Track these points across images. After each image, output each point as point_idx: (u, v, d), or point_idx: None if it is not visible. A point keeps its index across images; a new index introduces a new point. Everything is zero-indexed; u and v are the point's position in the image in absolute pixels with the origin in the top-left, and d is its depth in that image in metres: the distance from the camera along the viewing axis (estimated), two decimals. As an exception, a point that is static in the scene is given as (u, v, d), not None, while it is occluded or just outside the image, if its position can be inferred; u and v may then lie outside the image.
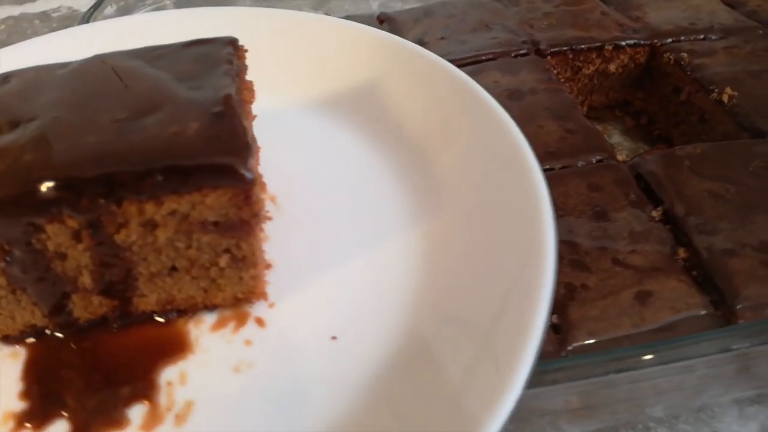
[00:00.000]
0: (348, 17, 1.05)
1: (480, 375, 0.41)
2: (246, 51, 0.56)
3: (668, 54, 0.90)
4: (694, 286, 0.61)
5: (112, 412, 0.44)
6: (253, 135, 0.57)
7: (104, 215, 0.43)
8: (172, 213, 0.44)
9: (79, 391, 0.45)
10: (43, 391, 0.46)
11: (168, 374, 0.47)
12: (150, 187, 0.43)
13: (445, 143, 0.59)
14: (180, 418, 0.44)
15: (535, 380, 0.53)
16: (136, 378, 0.46)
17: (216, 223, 0.45)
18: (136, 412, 0.45)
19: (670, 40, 0.92)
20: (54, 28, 1.31)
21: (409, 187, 0.59)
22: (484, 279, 0.48)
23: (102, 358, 0.47)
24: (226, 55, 0.52)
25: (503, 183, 0.53)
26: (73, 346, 0.48)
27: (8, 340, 0.49)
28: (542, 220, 0.48)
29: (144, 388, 0.45)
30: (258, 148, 0.60)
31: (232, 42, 0.54)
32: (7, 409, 0.45)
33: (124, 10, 0.91)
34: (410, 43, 0.67)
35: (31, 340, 0.49)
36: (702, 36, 0.93)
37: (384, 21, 1.03)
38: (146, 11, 0.94)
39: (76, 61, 0.53)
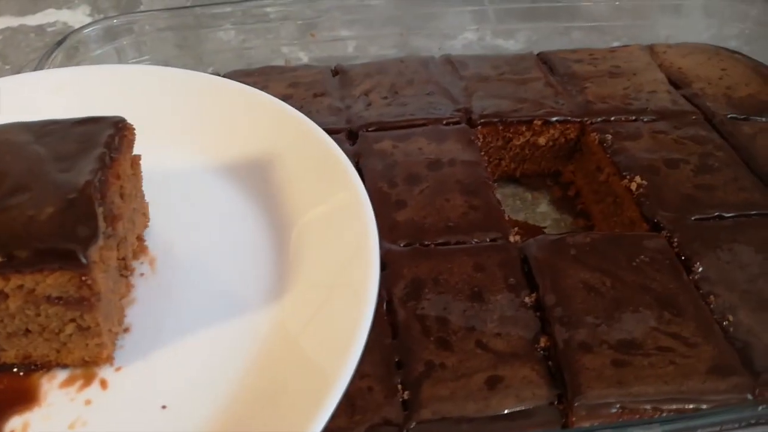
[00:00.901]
0: (306, 66, 1.11)
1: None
2: (133, 129, 0.61)
3: (594, 134, 0.93)
4: (545, 377, 0.64)
5: (-47, 456, 0.50)
6: (141, 202, 0.63)
7: (-40, 283, 0.50)
8: (19, 287, 0.50)
9: (-68, 432, 0.52)
10: None
11: (13, 423, 0.52)
12: (-2, 265, 0.49)
13: (311, 220, 0.64)
14: (12, 469, 0.50)
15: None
16: (-17, 424, 0.52)
17: (59, 298, 0.51)
18: (-24, 459, 0.51)
19: (600, 119, 0.95)
20: (47, 43, 1.39)
21: (274, 257, 0.64)
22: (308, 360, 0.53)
23: (-39, 402, 0.54)
24: (106, 137, 0.57)
25: (347, 267, 0.57)
26: (-60, 387, 0.54)
27: None
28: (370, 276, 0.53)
29: (-12, 435, 0.51)
30: (145, 214, 0.66)
31: (116, 123, 0.59)
32: None
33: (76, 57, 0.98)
34: (295, 111, 0.72)
35: None
36: (633, 117, 0.95)
37: (338, 73, 1.08)
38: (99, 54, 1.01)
39: (-20, 128, 0.60)
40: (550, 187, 1.01)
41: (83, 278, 0.49)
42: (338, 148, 0.68)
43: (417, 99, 0.99)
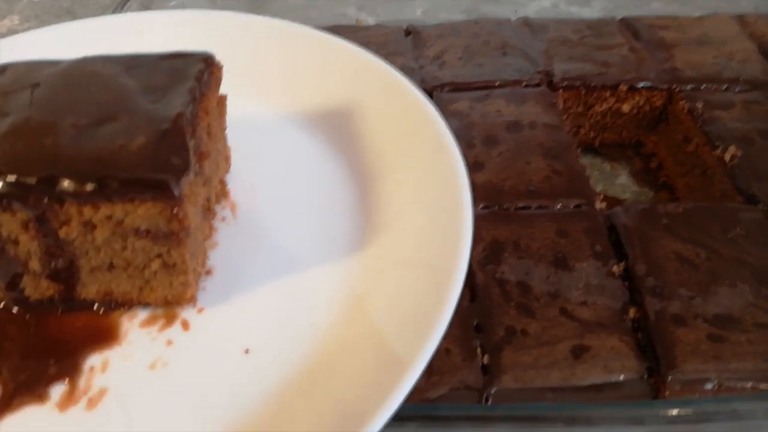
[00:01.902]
0: (378, 25, 1.08)
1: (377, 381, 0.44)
2: (221, 67, 0.59)
3: (684, 102, 0.88)
4: (635, 349, 0.61)
5: (36, 386, 0.49)
6: (221, 146, 0.61)
7: (48, 212, 0.48)
8: (108, 218, 0.49)
9: (15, 362, 0.51)
10: (-17, 357, 0.51)
11: (93, 360, 0.51)
12: (87, 193, 0.47)
13: (397, 172, 0.61)
14: (92, 403, 0.49)
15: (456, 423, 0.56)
16: (65, 359, 0.51)
17: (148, 231, 0.49)
18: (57, 391, 0.50)
19: (689, 87, 0.90)
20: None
21: (357, 203, 0.62)
22: (402, 290, 0.51)
23: (42, 335, 0.53)
24: (195, 72, 0.55)
25: (436, 215, 0.55)
26: (21, 321, 0.54)
27: (-32, 307, 0.55)
28: (459, 259, 0.49)
29: (69, 369, 0.50)
30: (228, 157, 0.64)
31: (206, 59, 0.57)
32: (-54, 367, 0.51)
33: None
34: (382, 62, 0.69)
35: (-12, 309, 0.55)
36: (725, 86, 0.90)
37: (410, 33, 1.05)
38: (173, 5, 0.99)
39: (66, 61, 0.58)
40: (631, 158, 0.96)
41: (174, 210, 0.47)
42: (430, 104, 0.64)
43: (493, 60, 0.96)
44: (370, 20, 1.20)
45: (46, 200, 0.47)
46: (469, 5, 1.23)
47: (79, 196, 0.47)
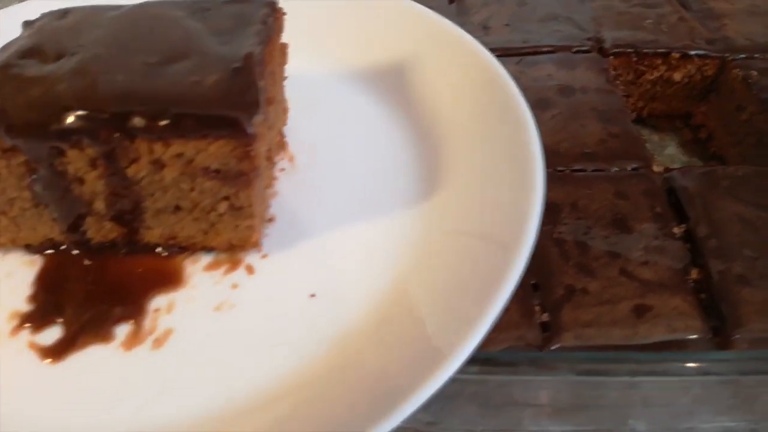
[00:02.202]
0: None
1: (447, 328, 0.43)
2: (284, 14, 0.58)
3: (737, 70, 0.86)
4: (697, 309, 0.60)
5: (101, 326, 0.49)
6: (281, 96, 0.60)
7: (118, 149, 0.48)
8: (179, 155, 0.48)
9: (78, 303, 0.50)
10: (48, 298, 0.51)
11: (157, 302, 0.51)
12: (160, 129, 0.46)
13: (462, 128, 0.60)
14: (158, 343, 0.48)
15: (514, 369, 0.55)
16: (129, 301, 0.50)
17: (217, 171, 0.48)
18: (122, 331, 0.49)
19: (743, 56, 0.88)
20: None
21: (419, 162, 0.60)
22: (466, 248, 0.50)
23: (105, 278, 0.52)
24: (261, 15, 0.55)
25: (504, 172, 0.54)
26: (83, 263, 0.53)
27: (30, 249, 0.55)
28: (530, 212, 0.48)
29: (134, 310, 0.50)
30: (286, 108, 0.63)
31: (270, 4, 0.56)
32: (14, 308, 0.51)
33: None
34: (453, 25, 0.68)
35: (49, 252, 0.55)
36: (778, 56, 0.88)
37: (454, 1, 1.03)
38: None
39: (127, 5, 0.57)
40: (679, 129, 0.94)
41: (247, 148, 0.46)
42: (500, 65, 0.63)
43: (541, 26, 0.94)
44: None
45: (117, 136, 0.47)
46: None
47: (151, 132, 0.46)
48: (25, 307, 0.51)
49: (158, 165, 0.49)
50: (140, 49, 0.51)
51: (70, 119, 0.47)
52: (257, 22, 0.54)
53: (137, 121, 0.46)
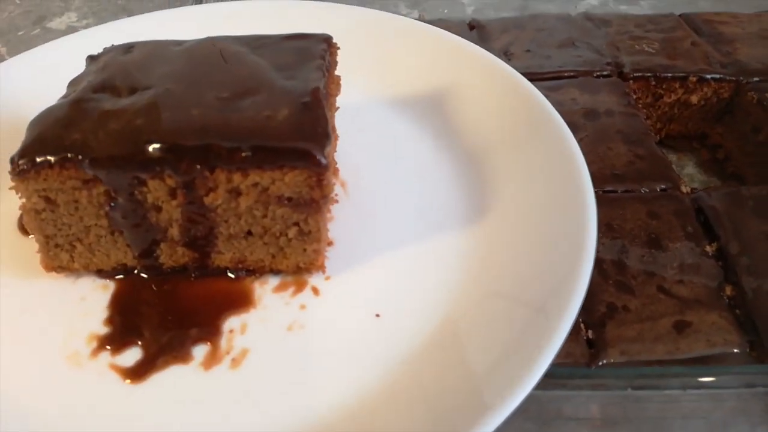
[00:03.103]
0: (440, 20, 1.10)
1: (501, 364, 0.45)
2: (338, 48, 0.61)
3: (752, 93, 0.90)
4: (734, 324, 0.63)
5: (180, 348, 0.51)
6: (333, 125, 0.63)
7: (198, 179, 0.50)
8: (255, 185, 0.51)
9: (155, 326, 0.53)
10: (124, 321, 0.53)
11: (231, 323, 0.53)
12: (239, 160, 0.49)
13: (507, 152, 0.63)
14: (236, 362, 0.51)
15: (564, 383, 0.58)
16: (204, 322, 0.53)
17: (290, 199, 0.51)
18: (200, 351, 0.52)
19: (756, 79, 0.92)
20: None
21: (465, 187, 0.64)
22: (522, 277, 0.52)
23: (178, 301, 0.55)
24: (320, 51, 0.58)
25: (554, 200, 0.56)
26: (155, 287, 0.56)
27: (101, 274, 0.57)
28: (586, 229, 0.51)
29: (209, 332, 0.52)
30: (337, 137, 0.66)
31: (326, 39, 0.59)
32: (92, 331, 0.53)
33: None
34: (490, 54, 0.71)
35: (120, 276, 0.57)
36: (791, 79, 0.92)
37: (474, 28, 1.07)
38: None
39: (190, 41, 0.60)
40: (697, 149, 0.98)
41: (320, 178, 0.49)
42: (534, 88, 0.66)
43: (561, 52, 0.98)
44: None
45: (198, 167, 0.49)
46: (520, 3, 1.26)
47: (231, 163, 0.49)
48: (102, 329, 0.53)
49: (235, 193, 0.51)
50: (211, 84, 0.54)
51: (153, 152, 0.49)
52: (317, 57, 0.57)
53: (217, 153, 0.49)
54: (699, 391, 0.58)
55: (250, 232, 0.54)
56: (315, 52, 0.58)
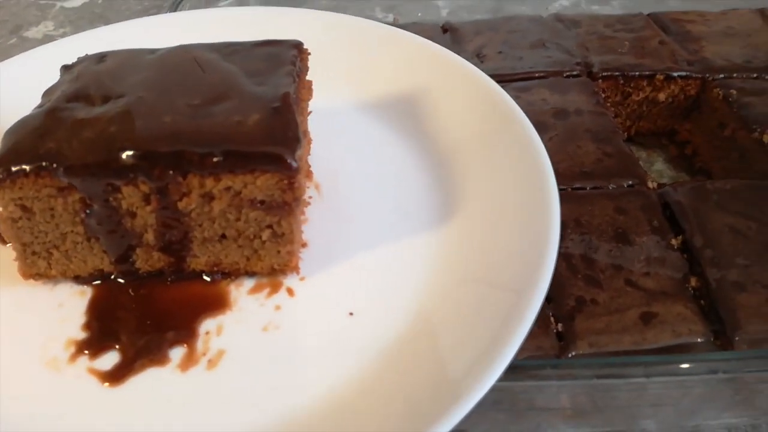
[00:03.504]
0: (415, 24, 1.12)
1: (473, 347, 0.47)
2: (309, 54, 0.62)
3: (717, 89, 0.92)
4: (699, 314, 0.65)
5: (157, 351, 0.52)
6: (306, 129, 0.64)
7: (171, 184, 0.51)
8: (227, 189, 0.52)
9: (132, 330, 0.54)
10: (101, 326, 0.54)
11: (207, 325, 0.54)
12: (211, 165, 0.50)
13: (476, 152, 0.65)
14: (212, 363, 0.52)
15: (537, 374, 0.59)
16: (180, 325, 0.54)
17: (262, 202, 0.52)
18: (176, 354, 0.53)
19: (722, 75, 0.94)
20: (145, 6, 1.42)
21: (436, 186, 0.65)
22: (493, 264, 0.54)
23: (154, 305, 0.56)
24: (290, 56, 0.59)
25: (520, 195, 0.58)
26: (132, 292, 0.57)
27: (78, 280, 0.58)
28: (549, 228, 0.53)
29: (185, 334, 0.53)
30: (310, 140, 0.67)
31: (297, 45, 0.61)
32: (70, 337, 0.54)
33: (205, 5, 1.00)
34: (459, 58, 0.73)
35: (97, 282, 0.58)
36: (755, 75, 0.94)
37: (447, 30, 1.09)
38: (225, 4, 1.03)
39: (163, 49, 0.62)
40: (665, 145, 1.00)
41: (291, 181, 0.50)
42: (502, 90, 0.68)
43: (532, 53, 1.00)
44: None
45: (171, 173, 0.50)
46: (494, 5, 1.28)
47: (203, 168, 0.50)
48: (80, 335, 0.54)
49: (208, 198, 0.52)
50: (183, 91, 0.55)
51: (126, 158, 0.50)
52: (288, 63, 0.58)
53: (190, 159, 0.50)
54: (667, 379, 0.60)
55: (224, 236, 0.55)
56: (285, 58, 0.59)
